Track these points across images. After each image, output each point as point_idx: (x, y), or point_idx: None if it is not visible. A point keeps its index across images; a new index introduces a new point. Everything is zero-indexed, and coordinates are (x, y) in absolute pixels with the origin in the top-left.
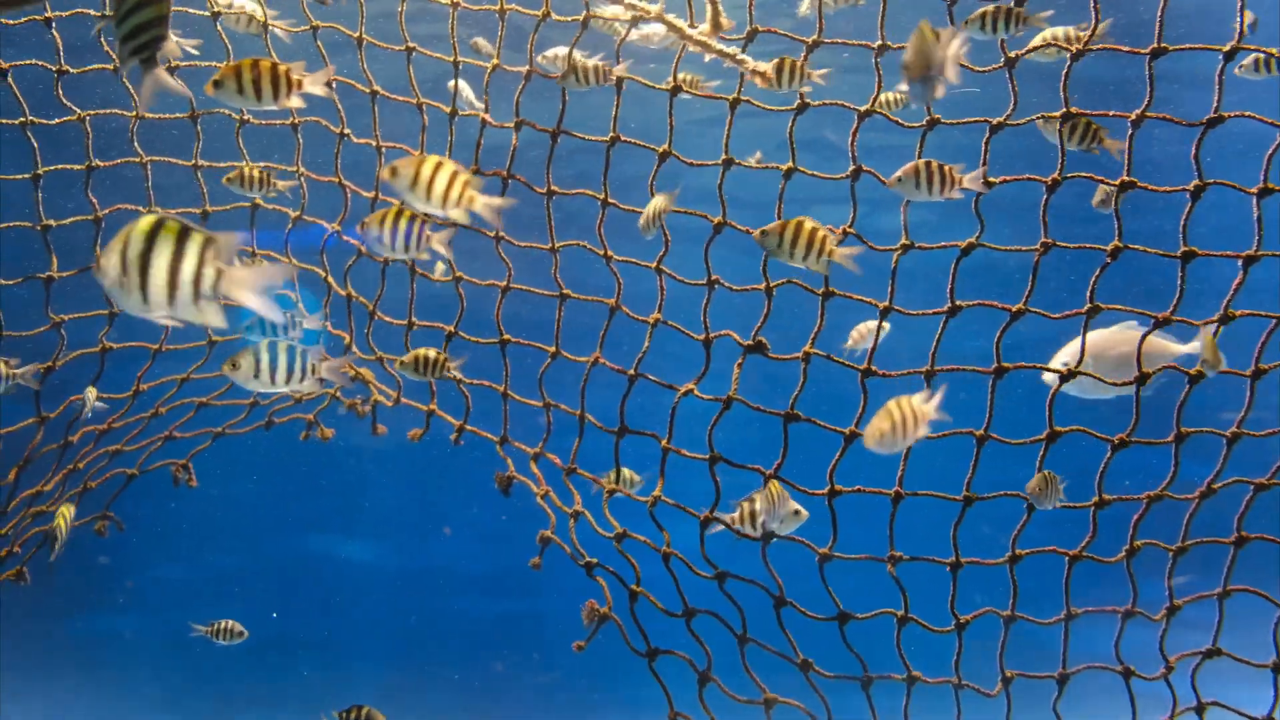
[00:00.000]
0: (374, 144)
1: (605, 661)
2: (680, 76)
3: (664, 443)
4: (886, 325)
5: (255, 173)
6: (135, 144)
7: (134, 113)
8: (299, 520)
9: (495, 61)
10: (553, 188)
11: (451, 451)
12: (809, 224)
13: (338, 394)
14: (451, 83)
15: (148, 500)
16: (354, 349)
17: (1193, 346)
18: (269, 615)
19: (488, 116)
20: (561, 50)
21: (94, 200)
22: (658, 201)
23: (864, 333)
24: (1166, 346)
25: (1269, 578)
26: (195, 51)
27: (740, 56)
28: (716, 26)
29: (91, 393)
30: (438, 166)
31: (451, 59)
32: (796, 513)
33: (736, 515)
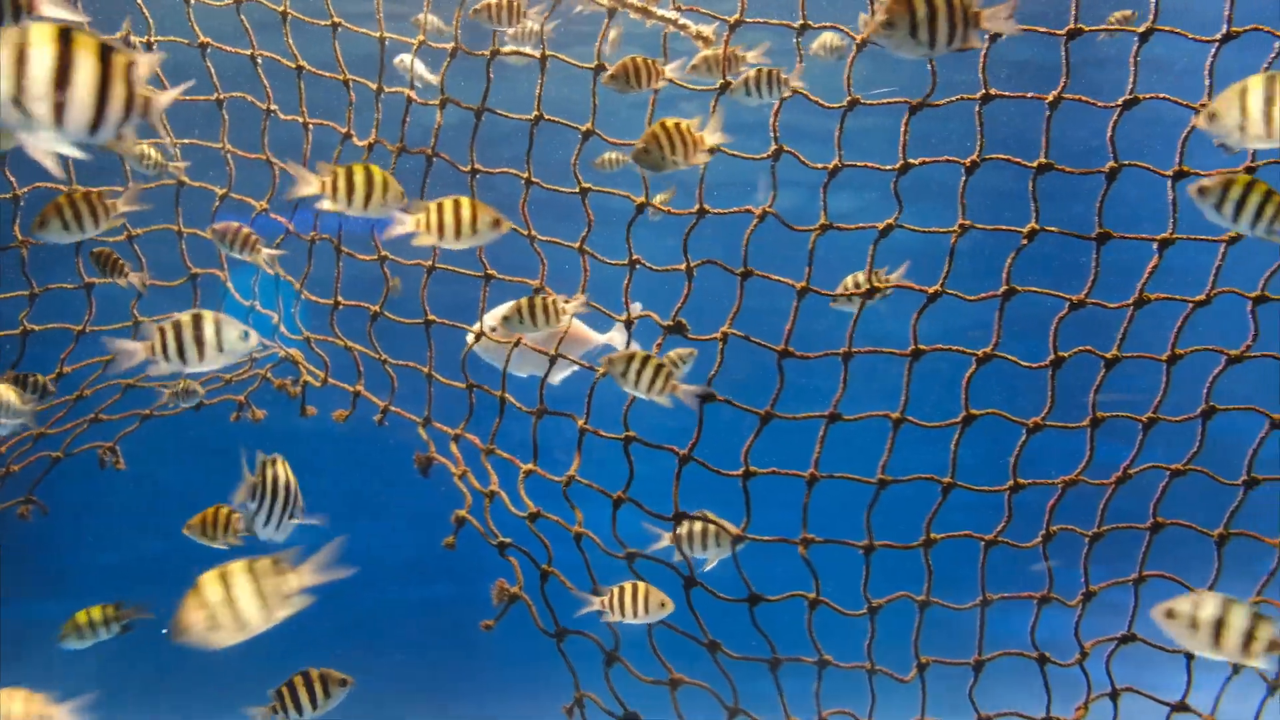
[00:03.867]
0: (300, 120)
1: (535, 644)
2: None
3: (581, 423)
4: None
5: (150, 150)
6: None
7: None
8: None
9: (421, 38)
10: (476, 166)
11: (387, 436)
12: (672, 122)
13: (268, 374)
14: (399, 59)
15: (78, 485)
16: (282, 328)
17: (609, 337)
18: None
19: (412, 94)
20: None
21: (12, 179)
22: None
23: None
24: (588, 335)
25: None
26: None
27: (682, 21)
28: None
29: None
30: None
31: (378, 34)
32: (737, 540)
33: (682, 533)
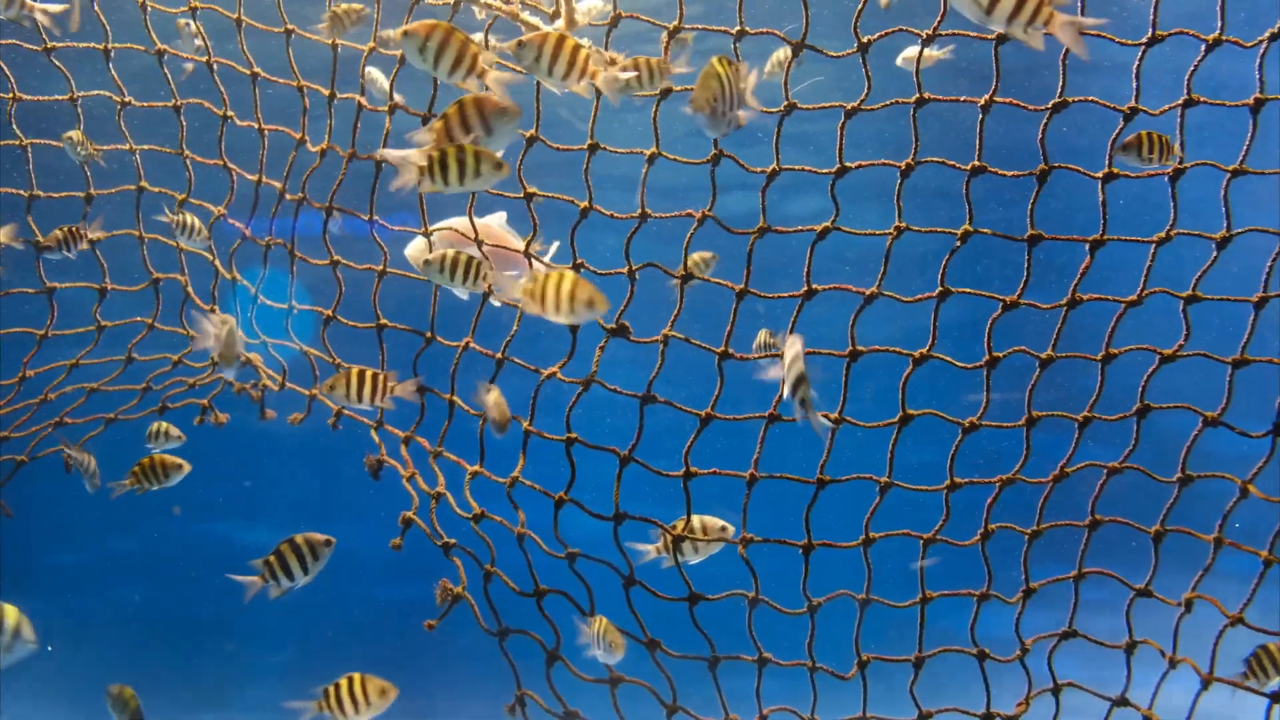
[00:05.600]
0: (256, 126)
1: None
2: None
3: (525, 425)
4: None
5: (79, 137)
6: (14, 126)
7: (10, 95)
8: (199, 506)
9: (372, 44)
10: None
11: (354, 437)
12: (572, 42)
13: (229, 378)
14: (366, 69)
15: (44, 486)
16: (239, 333)
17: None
18: (168, 601)
19: (363, 100)
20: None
21: None
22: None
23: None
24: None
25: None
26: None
27: (523, 16)
28: None
29: None
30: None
31: (330, 41)
32: (723, 528)
33: (659, 545)
